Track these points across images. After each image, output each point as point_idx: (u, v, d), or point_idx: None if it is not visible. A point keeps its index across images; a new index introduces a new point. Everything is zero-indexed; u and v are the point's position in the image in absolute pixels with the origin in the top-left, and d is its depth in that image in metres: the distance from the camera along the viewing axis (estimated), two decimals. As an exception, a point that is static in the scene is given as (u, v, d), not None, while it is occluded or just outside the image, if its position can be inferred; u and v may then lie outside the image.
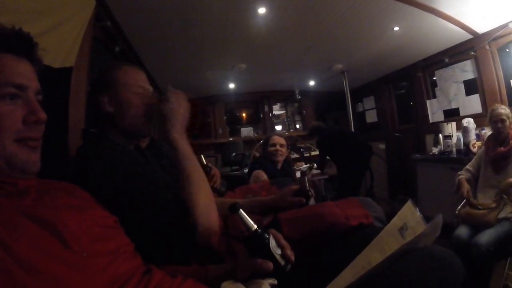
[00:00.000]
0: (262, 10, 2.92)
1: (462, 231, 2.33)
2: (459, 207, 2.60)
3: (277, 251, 0.81)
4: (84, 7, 1.96)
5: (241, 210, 0.84)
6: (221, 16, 2.96)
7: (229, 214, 0.86)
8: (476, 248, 2.06)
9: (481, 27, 3.78)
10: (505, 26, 3.54)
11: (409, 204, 0.93)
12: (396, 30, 3.72)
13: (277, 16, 3.09)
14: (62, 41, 1.65)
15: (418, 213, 0.92)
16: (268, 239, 0.82)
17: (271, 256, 0.80)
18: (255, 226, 0.83)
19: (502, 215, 2.27)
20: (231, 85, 5.50)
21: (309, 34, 3.67)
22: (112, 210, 0.87)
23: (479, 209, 2.38)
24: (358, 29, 3.66)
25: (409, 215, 0.91)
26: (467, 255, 2.07)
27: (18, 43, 0.70)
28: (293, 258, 0.84)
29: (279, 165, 2.95)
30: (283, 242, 0.85)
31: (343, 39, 3.93)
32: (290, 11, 3.05)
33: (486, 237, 2.12)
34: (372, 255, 0.80)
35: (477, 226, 2.30)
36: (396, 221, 0.88)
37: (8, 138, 0.65)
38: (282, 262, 0.81)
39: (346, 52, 4.40)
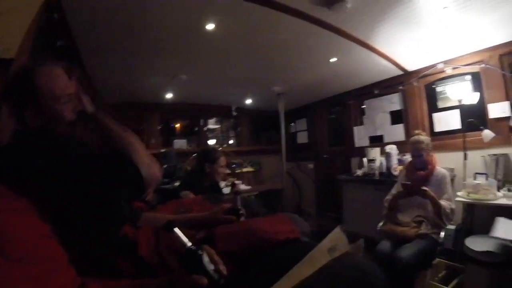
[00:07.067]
0: (210, 27, 2.93)
1: (384, 245, 2.50)
2: (381, 224, 2.84)
3: (210, 267, 0.84)
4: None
5: (176, 228, 0.85)
6: (170, 26, 2.90)
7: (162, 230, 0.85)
8: (398, 260, 2.22)
9: (411, 65, 4.24)
10: (433, 66, 4.00)
11: (338, 230, 1.05)
12: (333, 61, 3.98)
13: (224, 34, 3.12)
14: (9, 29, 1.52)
15: (345, 237, 1.05)
16: (202, 255, 0.84)
17: (205, 272, 0.82)
18: (189, 244, 0.85)
19: (421, 231, 2.50)
20: (169, 95, 5.36)
21: (252, 56, 3.77)
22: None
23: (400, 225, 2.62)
24: (299, 57, 3.85)
25: (338, 238, 1.03)
26: (389, 267, 2.22)
27: None
28: (225, 272, 0.86)
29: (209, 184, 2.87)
30: (216, 258, 0.87)
31: (284, 64, 4.09)
32: (238, 32, 3.11)
33: (406, 250, 2.30)
34: (304, 269, 0.86)
35: (398, 241, 2.49)
36: (326, 242, 0.98)
37: None
38: (216, 277, 0.83)
39: (285, 76, 4.57)
